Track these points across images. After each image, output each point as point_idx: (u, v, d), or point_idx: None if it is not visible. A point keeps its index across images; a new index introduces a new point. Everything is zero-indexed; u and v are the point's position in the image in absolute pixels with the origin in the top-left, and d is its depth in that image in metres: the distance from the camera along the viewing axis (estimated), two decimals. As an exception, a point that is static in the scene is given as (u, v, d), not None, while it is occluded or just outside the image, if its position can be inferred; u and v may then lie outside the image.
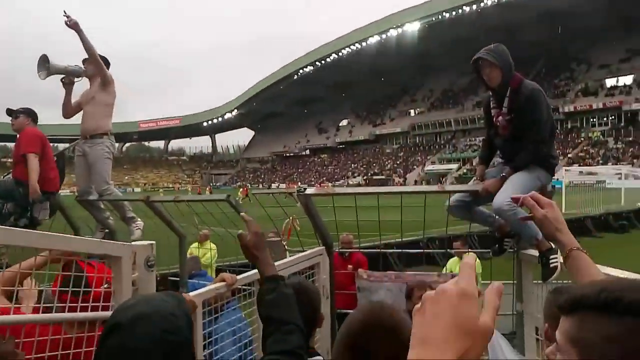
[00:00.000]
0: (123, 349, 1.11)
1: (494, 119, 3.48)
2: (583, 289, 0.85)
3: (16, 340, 1.58)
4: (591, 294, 0.83)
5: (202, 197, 4.34)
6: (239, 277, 2.67)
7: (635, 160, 49.82)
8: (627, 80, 62.52)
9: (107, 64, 5.04)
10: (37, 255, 1.87)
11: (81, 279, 1.86)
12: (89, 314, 1.81)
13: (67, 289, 1.77)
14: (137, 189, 75.86)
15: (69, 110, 5.12)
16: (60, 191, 5.00)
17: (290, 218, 4.38)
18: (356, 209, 3.80)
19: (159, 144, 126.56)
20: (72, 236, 2.06)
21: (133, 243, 2.07)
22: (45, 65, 4.68)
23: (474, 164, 63.80)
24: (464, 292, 0.68)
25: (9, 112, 4.77)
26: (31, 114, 4.79)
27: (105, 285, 2.00)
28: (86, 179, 5.01)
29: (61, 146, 6.92)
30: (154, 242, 2.12)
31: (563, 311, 0.85)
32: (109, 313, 1.95)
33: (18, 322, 1.67)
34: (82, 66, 4.96)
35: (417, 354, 0.64)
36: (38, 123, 4.82)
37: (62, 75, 4.93)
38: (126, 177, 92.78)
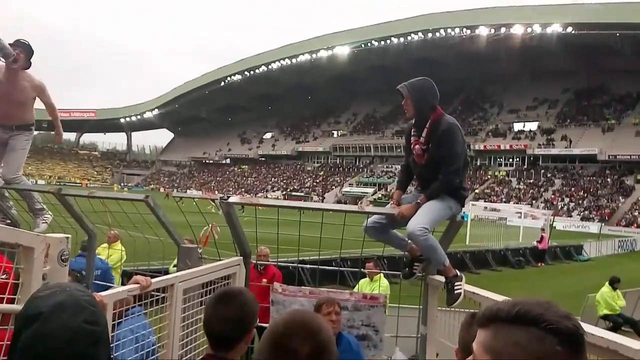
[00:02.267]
0: (42, 337, 1.09)
1: (412, 146, 3.68)
2: (499, 304, 1.01)
3: None
4: (506, 307, 0.99)
5: (119, 195, 4.18)
6: (153, 280, 2.60)
7: (534, 201, 53.85)
8: (533, 126, 67.78)
9: (31, 51, 4.62)
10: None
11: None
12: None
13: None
14: (42, 181, 70.88)
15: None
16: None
17: (210, 225, 4.32)
18: (278, 222, 3.84)
19: (70, 135, 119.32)
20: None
21: (48, 235, 1.98)
22: None
23: (389, 189, 66.04)
24: None
25: None
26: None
27: (4, 276, 1.90)
28: None
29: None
30: (69, 235, 2.04)
31: (481, 324, 1.01)
32: (7, 306, 1.85)
33: None
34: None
35: None
36: None
37: None
38: (30, 168, 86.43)
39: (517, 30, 61.53)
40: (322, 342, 1.15)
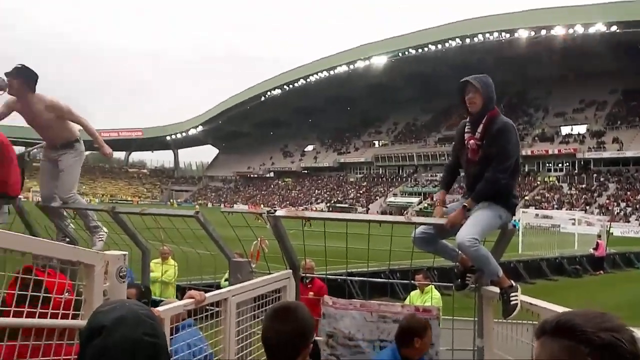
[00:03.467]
0: (106, 350, 1.13)
1: (466, 142, 3.59)
2: (551, 316, 1.05)
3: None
4: (551, 319, 1.03)
5: (169, 212, 4.28)
6: (207, 295, 2.64)
7: (587, 207, 51.82)
8: (581, 129, 65.47)
9: (29, 74, 4.50)
10: None
11: (39, 286, 1.82)
12: (57, 321, 1.76)
13: (26, 293, 1.73)
14: (95, 200, 73.62)
15: None
16: (22, 196, 4.83)
17: (259, 239, 4.36)
18: (324, 235, 3.82)
19: (120, 154, 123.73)
20: (48, 240, 2.01)
21: (106, 252, 2.03)
22: None
23: (434, 198, 65.02)
24: None
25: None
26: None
27: (66, 294, 1.95)
28: (50, 185, 4.85)
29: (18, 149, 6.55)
30: (127, 252, 2.09)
31: (535, 336, 1.06)
32: (73, 322, 1.91)
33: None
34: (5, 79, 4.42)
35: None
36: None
37: None
38: (84, 187, 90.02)
39: (559, 31, 59.85)
40: None
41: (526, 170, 64.92)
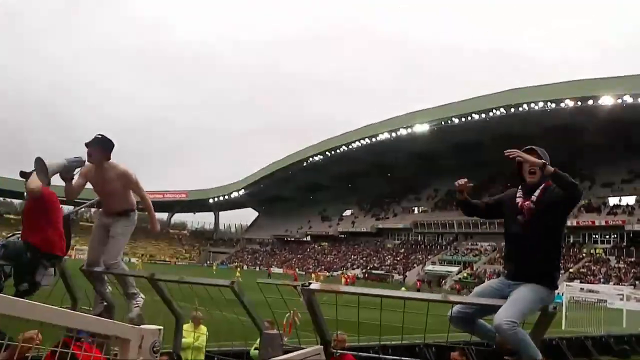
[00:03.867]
0: None
1: (519, 204, 3.62)
2: None
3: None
4: None
5: (206, 281, 4.35)
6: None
7: (637, 282, 49.12)
8: (630, 200, 63.24)
9: (112, 145, 4.85)
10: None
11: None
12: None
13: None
14: (134, 259, 74.94)
15: (73, 194, 4.84)
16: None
17: (291, 312, 4.36)
18: (358, 309, 3.79)
19: (163, 215, 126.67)
20: (89, 315, 2.10)
21: (142, 327, 2.09)
22: (43, 169, 4.45)
23: (474, 268, 63.13)
24: None
25: (22, 174, 4.69)
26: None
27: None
28: (98, 251, 5.01)
29: (66, 209, 6.86)
30: (162, 327, 2.15)
31: None
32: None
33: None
34: (80, 157, 4.73)
35: None
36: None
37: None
38: (125, 247, 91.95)
39: (606, 101, 59.24)
40: None
41: (571, 241, 62.66)
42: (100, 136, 4.81)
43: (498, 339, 3.58)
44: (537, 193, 3.58)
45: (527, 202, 3.58)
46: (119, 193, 4.95)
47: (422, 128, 77.55)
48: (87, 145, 4.74)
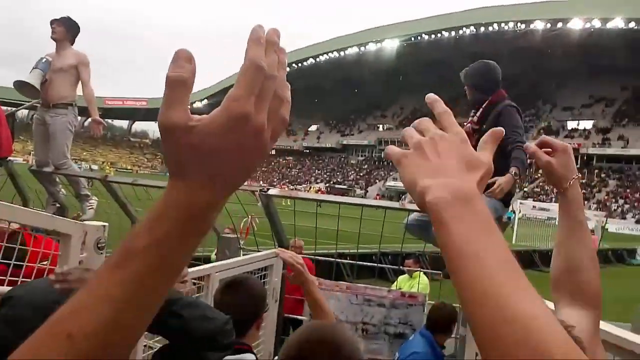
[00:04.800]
0: (5, 322, 1.11)
1: (464, 125, 3.60)
2: None
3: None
4: None
5: (161, 184, 4.25)
6: (192, 269, 2.61)
7: (586, 202, 51.77)
8: (587, 124, 65.13)
9: (77, 29, 4.91)
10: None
11: (24, 251, 1.80)
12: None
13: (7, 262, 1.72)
14: (95, 166, 73.70)
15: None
16: (12, 158, 4.79)
17: (250, 216, 4.34)
18: (316, 215, 3.80)
19: (123, 123, 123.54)
20: (26, 208, 1.99)
21: (85, 222, 2.00)
22: (27, 86, 4.60)
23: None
24: (462, 136, 0.66)
25: None
26: None
27: (45, 262, 1.93)
28: (45, 150, 4.80)
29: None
30: (106, 224, 2.06)
31: None
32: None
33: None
34: (44, 57, 4.76)
35: (433, 183, 0.60)
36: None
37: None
38: (84, 153, 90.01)
39: (576, 24, 59.04)
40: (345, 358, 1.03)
41: (527, 161, 64.64)
42: (67, 17, 4.87)
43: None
44: (479, 112, 3.51)
45: (469, 124, 3.53)
46: (66, 78, 4.76)
47: (391, 44, 76.11)
48: (52, 22, 4.76)
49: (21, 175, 4.98)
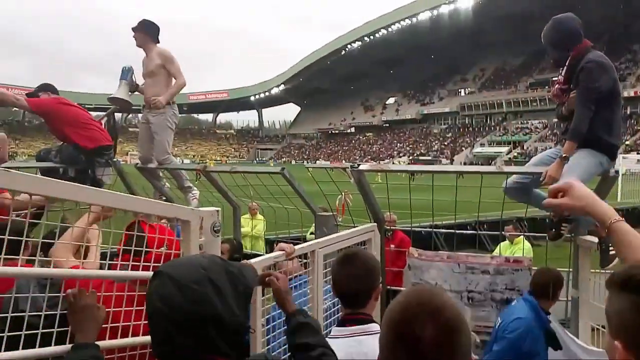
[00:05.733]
0: (155, 293, 1.24)
1: (553, 86, 3.48)
2: (623, 269, 1.02)
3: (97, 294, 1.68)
4: (618, 273, 1.01)
5: (257, 169, 4.42)
6: (296, 247, 2.72)
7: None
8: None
9: (156, 29, 5.10)
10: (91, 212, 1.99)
11: (143, 239, 1.94)
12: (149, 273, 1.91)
13: (130, 248, 1.86)
14: (186, 160, 77.69)
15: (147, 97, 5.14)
16: (120, 159, 5.17)
17: (343, 193, 4.41)
18: (409, 188, 3.79)
19: (208, 116, 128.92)
20: (147, 199, 2.16)
21: (200, 209, 2.14)
22: (119, 101, 4.97)
23: (525, 147, 61.94)
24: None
25: (29, 95, 4.73)
26: (48, 89, 4.78)
27: (164, 248, 2.07)
28: (148, 148, 5.16)
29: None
30: (219, 208, 2.19)
31: (606, 287, 1.04)
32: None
33: (88, 277, 1.77)
34: (125, 67, 5.09)
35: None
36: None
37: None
38: (175, 149, 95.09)
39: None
40: (447, 322, 1.02)
41: (628, 112, 59.76)
42: (144, 20, 5.08)
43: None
44: (563, 71, 3.36)
45: (557, 85, 3.41)
46: (158, 78, 5.02)
47: (464, 3, 72.71)
48: (132, 29, 5.01)
49: (128, 173, 5.37)
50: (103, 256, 2.25)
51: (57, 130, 4.60)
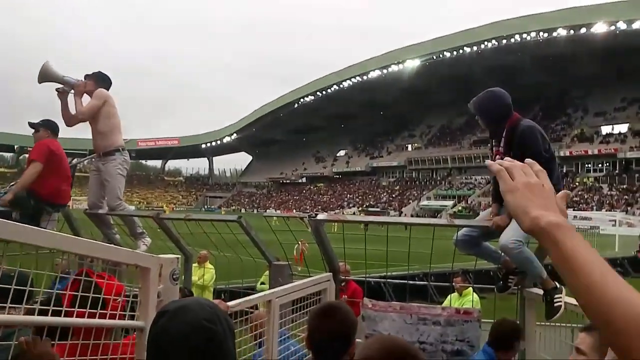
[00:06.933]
0: (166, 330, 1.22)
1: (493, 157, 3.62)
2: None
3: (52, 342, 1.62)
4: None
5: (213, 217, 4.39)
6: (252, 296, 2.71)
7: (629, 208, 50.15)
8: (622, 128, 63.46)
9: (109, 82, 5.10)
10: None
11: (97, 289, 1.90)
12: (119, 322, 1.86)
13: (84, 294, 1.81)
14: (131, 207, 75.45)
15: (68, 119, 5.01)
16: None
17: (300, 242, 4.43)
18: (365, 238, 3.86)
19: (156, 162, 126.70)
20: (106, 244, 2.12)
21: (161, 256, 2.12)
22: (42, 70, 4.75)
23: (469, 201, 64.04)
24: (552, 189, 0.94)
25: (31, 125, 4.85)
26: (50, 127, 4.85)
27: (119, 299, 2.04)
28: (97, 194, 5.04)
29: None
30: (179, 256, 2.18)
31: (579, 330, 1.10)
32: (132, 322, 2.00)
33: (45, 324, 1.71)
34: (82, 80, 4.98)
35: (545, 213, 0.88)
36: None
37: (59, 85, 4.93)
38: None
39: (599, 28, 58.15)
40: None
41: (564, 171, 63.29)
42: (99, 72, 5.09)
43: (504, 259, 3.67)
44: (502, 142, 3.52)
45: (498, 155, 3.54)
46: (107, 128, 4.97)
47: (413, 63, 76.40)
48: (85, 77, 4.98)
49: (76, 218, 5.21)
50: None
51: (42, 175, 4.57)
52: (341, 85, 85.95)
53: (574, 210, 43.67)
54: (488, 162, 1.04)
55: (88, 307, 1.82)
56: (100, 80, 5.02)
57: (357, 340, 3.82)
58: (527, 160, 1.00)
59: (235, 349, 1.30)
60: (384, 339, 1.24)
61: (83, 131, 5.16)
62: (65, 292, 1.84)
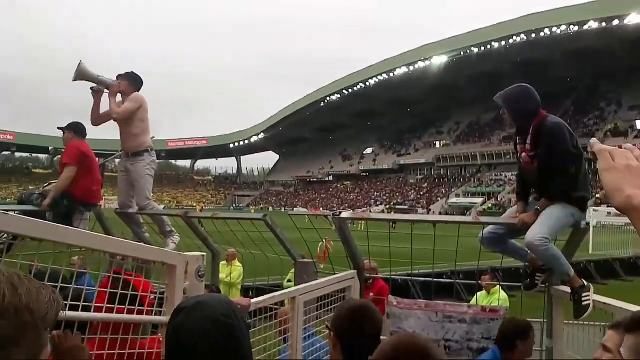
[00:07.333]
0: (184, 326, 1.26)
1: (519, 154, 3.57)
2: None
3: (82, 337, 1.69)
4: (627, 317, 1.09)
5: (239, 215, 4.46)
6: (276, 294, 2.75)
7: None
8: (659, 122, 61.51)
9: (140, 83, 5.20)
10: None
11: (132, 287, 1.97)
12: (146, 317, 1.92)
13: (124, 292, 1.88)
14: (162, 206, 76.72)
15: (96, 118, 5.14)
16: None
17: (324, 240, 4.47)
18: (389, 236, 3.86)
19: (186, 162, 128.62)
20: (136, 243, 2.19)
21: (186, 253, 2.18)
22: (78, 69, 4.84)
23: (499, 198, 63.01)
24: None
25: (59, 128, 5.05)
26: (76, 129, 5.03)
27: (152, 296, 2.11)
28: (127, 194, 5.17)
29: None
30: (204, 253, 2.23)
31: (627, 330, 1.08)
32: (160, 318, 2.07)
33: (80, 320, 1.78)
34: (116, 80, 5.08)
35: (638, 195, 0.91)
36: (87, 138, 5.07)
37: (93, 85, 5.03)
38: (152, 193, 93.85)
39: (633, 19, 56.41)
40: None
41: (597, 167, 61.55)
42: (132, 72, 5.18)
43: (530, 257, 3.63)
44: (529, 139, 3.45)
45: (524, 153, 3.50)
46: (130, 129, 5.06)
47: (440, 60, 75.50)
48: (118, 77, 5.08)
49: (108, 218, 5.35)
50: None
51: (74, 176, 4.74)
52: (367, 83, 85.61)
53: (607, 206, 42.49)
54: (592, 140, 1.08)
55: (127, 304, 1.90)
56: (133, 80, 5.14)
57: (383, 337, 3.85)
58: (627, 145, 1.03)
59: (250, 343, 1.33)
60: (402, 336, 1.25)
61: (104, 132, 5.28)
62: (105, 289, 1.91)
